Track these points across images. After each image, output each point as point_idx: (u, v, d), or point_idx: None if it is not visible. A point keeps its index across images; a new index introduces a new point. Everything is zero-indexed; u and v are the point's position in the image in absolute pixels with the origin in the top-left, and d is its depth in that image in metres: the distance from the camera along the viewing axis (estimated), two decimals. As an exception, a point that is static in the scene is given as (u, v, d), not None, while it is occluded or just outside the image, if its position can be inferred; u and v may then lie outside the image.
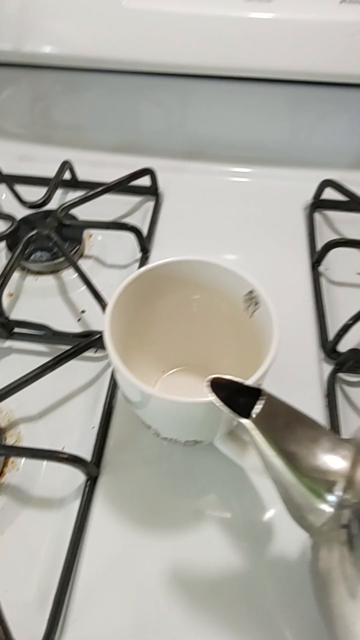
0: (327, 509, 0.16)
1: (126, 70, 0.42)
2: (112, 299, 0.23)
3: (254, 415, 0.16)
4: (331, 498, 0.16)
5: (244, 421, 0.17)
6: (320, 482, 0.16)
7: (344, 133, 0.46)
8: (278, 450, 0.16)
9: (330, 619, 0.15)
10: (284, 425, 0.17)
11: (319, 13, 0.35)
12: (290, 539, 0.26)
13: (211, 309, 0.26)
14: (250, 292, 0.24)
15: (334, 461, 0.16)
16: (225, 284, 0.25)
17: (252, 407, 0.17)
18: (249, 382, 0.18)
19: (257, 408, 0.17)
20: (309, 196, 0.45)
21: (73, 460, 0.26)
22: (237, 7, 0.36)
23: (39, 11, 0.40)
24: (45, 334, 0.35)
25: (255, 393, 0.17)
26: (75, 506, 0.28)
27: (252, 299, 0.24)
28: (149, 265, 0.25)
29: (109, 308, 0.23)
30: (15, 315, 0.37)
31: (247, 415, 0.17)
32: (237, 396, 0.17)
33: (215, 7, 0.36)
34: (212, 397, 0.17)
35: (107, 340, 0.22)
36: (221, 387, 0.17)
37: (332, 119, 0.46)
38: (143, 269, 0.25)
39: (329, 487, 0.16)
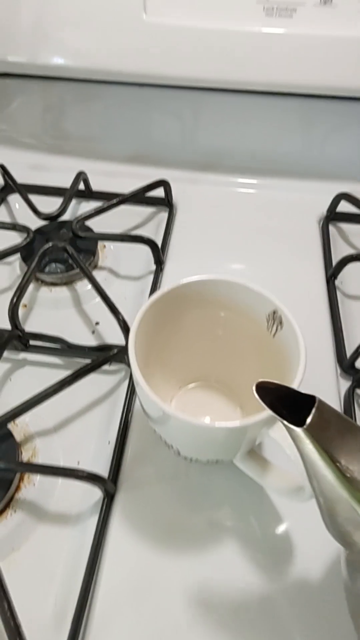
0: None
1: (142, 82, 0.42)
2: (135, 320, 0.23)
3: (307, 424, 0.15)
4: None
5: (297, 430, 0.16)
6: None
7: (357, 145, 0.46)
8: (329, 462, 0.15)
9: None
10: (336, 435, 0.16)
11: (337, 28, 0.35)
12: (312, 558, 0.26)
13: (233, 327, 0.26)
14: (274, 312, 0.24)
15: None
16: (248, 303, 0.25)
17: (297, 415, 0.16)
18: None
19: (312, 416, 0.16)
20: (322, 208, 0.45)
21: (91, 478, 0.26)
22: (257, 22, 0.36)
23: (56, 23, 0.40)
24: (61, 347, 0.34)
25: (304, 400, 0.16)
26: (92, 523, 0.28)
27: (275, 319, 0.24)
28: (173, 284, 0.25)
29: (132, 330, 0.23)
30: (29, 327, 0.37)
31: (295, 423, 0.16)
32: (280, 403, 0.17)
33: (236, 22, 0.36)
34: (264, 410, 0.17)
35: (133, 363, 0.22)
36: (267, 392, 0.17)
37: (345, 132, 0.46)
38: (167, 288, 0.25)
39: None
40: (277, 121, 0.46)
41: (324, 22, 0.35)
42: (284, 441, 0.20)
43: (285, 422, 0.16)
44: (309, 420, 0.16)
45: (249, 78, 0.39)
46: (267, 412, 0.17)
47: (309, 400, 0.16)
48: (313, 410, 0.16)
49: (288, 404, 0.17)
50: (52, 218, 0.41)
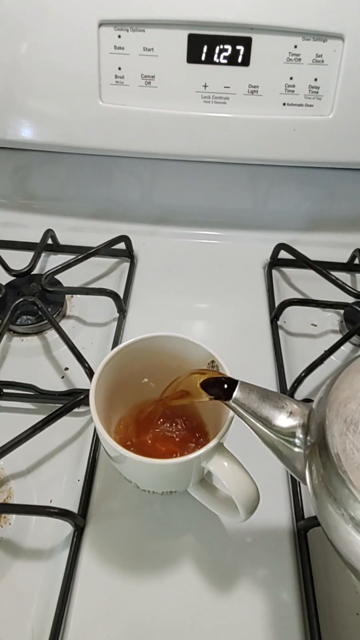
0: (299, 449, 0.22)
1: (101, 155, 0.48)
2: (95, 377, 0.27)
3: (233, 396, 0.23)
4: (298, 442, 0.22)
5: (229, 402, 0.23)
6: (288, 433, 0.22)
7: (294, 202, 0.53)
8: (256, 418, 0.22)
9: (325, 523, 0.20)
10: (258, 400, 0.23)
11: (266, 113, 0.42)
12: (256, 577, 0.30)
13: (179, 373, 0.31)
14: (212, 361, 0.28)
15: (295, 418, 0.22)
16: (192, 353, 0.29)
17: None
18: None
19: (236, 391, 0.23)
20: (266, 256, 0.51)
21: (62, 514, 0.29)
22: (197, 108, 0.42)
23: (22, 107, 0.45)
24: (32, 393, 0.38)
25: (233, 382, 0.24)
26: (64, 556, 0.30)
27: (214, 367, 0.28)
28: (127, 342, 0.29)
29: (92, 387, 0.27)
30: (2, 375, 0.41)
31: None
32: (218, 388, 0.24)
33: (179, 107, 0.42)
34: (205, 397, 0.25)
35: (93, 413, 0.26)
36: (209, 386, 0.25)
37: (283, 190, 0.52)
38: (122, 345, 0.29)
39: (294, 434, 0.22)
40: (225, 182, 0.52)
41: (251, 108, 0.42)
42: (220, 472, 0.24)
43: (223, 402, 0.24)
44: (234, 394, 0.23)
45: (190, 152, 0.45)
46: (203, 449, 0.22)
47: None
48: (236, 388, 0.24)
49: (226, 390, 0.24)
50: (22, 274, 0.45)
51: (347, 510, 0.18)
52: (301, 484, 0.33)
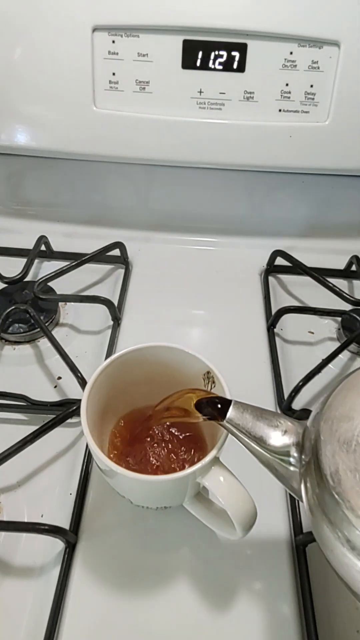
0: (294, 468, 0.21)
1: (95, 160, 0.47)
2: (87, 386, 0.27)
3: (227, 417, 0.23)
4: (293, 460, 0.21)
5: (223, 422, 0.23)
6: (283, 452, 0.22)
7: (291, 208, 0.53)
8: (250, 438, 0.22)
9: (322, 543, 0.19)
10: (252, 419, 0.23)
11: (262, 119, 0.42)
12: (254, 593, 0.29)
13: (176, 383, 0.30)
14: (208, 372, 0.28)
15: (290, 437, 0.22)
16: (187, 364, 0.29)
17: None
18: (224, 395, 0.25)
19: (230, 411, 0.23)
20: (263, 262, 0.51)
21: (53, 530, 0.28)
22: (192, 113, 0.42)
23: (17, 113, 0.44)
24: (24, 404, 0.37)
25: (227, 402, 0.24)
26: (55, 573, 0.30)
27: (209, 378, 0.28)
28: (121, 352, 0.29)
29: (84, 396, 0.26)
30: (-6, 385, 0.40)
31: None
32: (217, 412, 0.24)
33: (174, 113, 0.42)
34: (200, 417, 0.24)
35: (85, 428, 0.25)
36: (203, 407, 0.25)
37: (279, 196, 0.52)
38: (115, 355, 0.28)
39: (288, 453, 0.22)
40: (221, 188, 0.52)
41: (247, 114, 0.42)
42: (216, 489, 0.23)
43: (216, 422, 0.24)
44: (228, 414, 0.23)
45: (185, 158, 0.45)
46: (199, 464, 0.21)
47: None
48: (230, 408, 0.23)
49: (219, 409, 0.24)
50: (14, 281, 0.44)
51: (343, 532, 0.18)
52: (299, 498, 0.32)
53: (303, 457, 0.21)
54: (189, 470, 0.23)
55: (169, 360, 0.29)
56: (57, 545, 0.30)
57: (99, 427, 0.28)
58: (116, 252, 0.50)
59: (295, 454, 0.21)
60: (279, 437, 0.22)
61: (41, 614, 0.28)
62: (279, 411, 0.39)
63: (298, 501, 0.32)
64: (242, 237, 0.53)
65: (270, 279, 0.50)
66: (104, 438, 0.30)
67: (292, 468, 0.21)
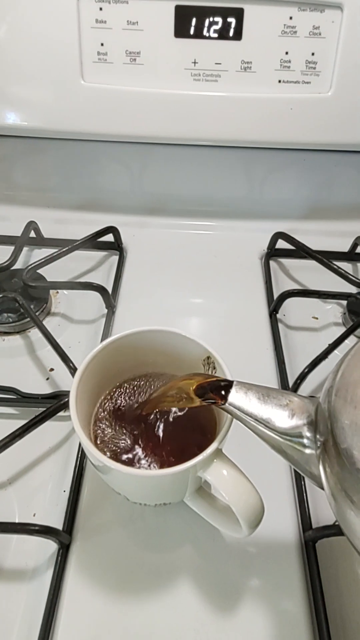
0: (310, 450, 0.19)
1: (86, 139, 0.45)
2: (77, 374, 0.25)
3: (229, 400, 0.21)
4: (307, 442, 0.19)
5: (225, 405, 0.21)
6: (295, 434, 0.19)
7: (292, 188, 0.50)
8: (257, 421, 0.20)
9: (347, 529, 0.17)
10: (257, 400, 0.20)
11: (261, 91, 0.39)
12: (261, 593, 0.27)
13: (175, 369, 0.28)
14: (208, 357, 0.26)
15: (301, 416, 0.20)
16: (187, 349, 0.27)
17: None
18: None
19: (231, 393, 0.21)
20: (263, 246, 0.49)
21: (44, 531, 0.27)
22: (186, 86, 0.39)
23: (4, 90, 0.42)
24: (14, 397, 0.35)
25: (228, 384, 0.22)
26: (48, 576, 0.28)
27: (210, 363, 0.26)
28: (113, 337, 0.26)
29: (73, 384, 0.24)
30: (-17, 378, 0.38)
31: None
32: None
33: (166, 86, 0.39)
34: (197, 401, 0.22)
35: (73, 415, 0.23)
36: (203, 390, 0.22)
37: (280, 176, 0.50)
38: (107, 341, 0.26)
39: (300, 434, 0.19)
40: (218, 168, 0.50)
41: (244, 85, 0.39)
42: (219, 483, 0.21)
43: (217, 406, 0.21)
44: (230, 397, 0.21)
45: (180, 134, 0.42)
46: (199, 457, 0.19)
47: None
48: (232, 389, 0.21)
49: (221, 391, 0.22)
50: (2, 269, 0.42)
51: None
52: (307, 492, 0.30)
53: (318, 436, 0.19)
54: (189, 463, 0.21)
55: (166, 346, 0.27)
56: (49, 546, 0.29)
57: (90, 420, 0.26)
58: (109, 237, 0.47)
59: (309, 434, 0.19)
60: (288, 417, 0.20)
61: (34, 619, 0.26)
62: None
63: (306, 495, 0.30)
64: (241, 220, 0.51)
65: (272, 263, 0.48)
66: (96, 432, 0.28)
67: (307, 450, 0.19)
